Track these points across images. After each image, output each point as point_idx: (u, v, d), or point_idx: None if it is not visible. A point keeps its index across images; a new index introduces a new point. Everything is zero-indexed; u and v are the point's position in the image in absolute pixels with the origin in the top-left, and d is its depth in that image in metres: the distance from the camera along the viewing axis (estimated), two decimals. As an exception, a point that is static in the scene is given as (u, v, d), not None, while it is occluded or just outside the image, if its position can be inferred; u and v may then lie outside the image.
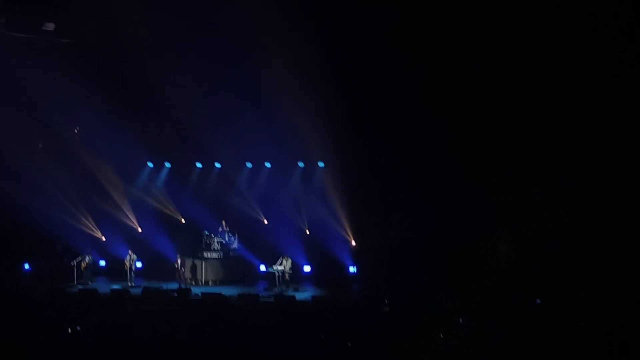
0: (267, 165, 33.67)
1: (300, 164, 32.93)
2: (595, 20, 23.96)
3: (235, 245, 31.88)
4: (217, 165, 34.34)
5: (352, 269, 30.32)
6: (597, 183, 25.46)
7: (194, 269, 30.89)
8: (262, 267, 31.20)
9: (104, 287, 29.16)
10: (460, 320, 20.72)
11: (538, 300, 22.66)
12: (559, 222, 26.38)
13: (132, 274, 30.46)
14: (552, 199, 26.44)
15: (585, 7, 23.86)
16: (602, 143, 25.55)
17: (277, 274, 29.23)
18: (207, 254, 31.20)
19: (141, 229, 33.42)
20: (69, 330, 20.53)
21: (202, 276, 30.87)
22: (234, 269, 31.67)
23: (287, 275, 29.31)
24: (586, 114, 25.55)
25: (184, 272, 30.57)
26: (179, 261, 30.51)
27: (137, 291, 28.12)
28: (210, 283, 30.65)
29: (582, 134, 25.81)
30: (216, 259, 31.23)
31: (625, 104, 24.82)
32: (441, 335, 19.16)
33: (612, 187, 25.35)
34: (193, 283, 30.46)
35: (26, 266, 31.16)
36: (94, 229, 32.56)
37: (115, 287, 28.99)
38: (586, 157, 26.00)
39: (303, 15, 25.70)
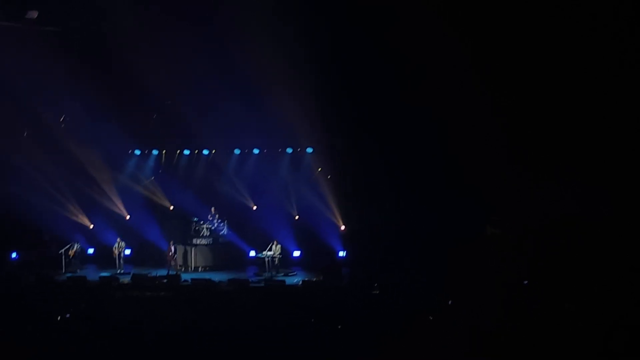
0: (255, 151, 33.60)
1: (289, 150, 32.86)
2: (594, 20, 23.90)
3: (224, 231, 31.88)
4: (205, 152, 34.28)
5: (341, 253, 30.34)
6: (585, 171, 25.51)
7: (184, 255, 30.92)
8: (252, 253, 31.23)
9: (93, 274, 29.19)
10: (450, 302, 20.76)
11: (525, 282, 22.76)
12: (546, 205, 26.40)
13: (121, 261, 30.46)
14: (539, 183, 26.45)
15: (582, 6, 23.82)
16: (590, 136, 25.55)
17: (266, 259, 29.28)
18: (196, 241, 31.22)
19: (129, 216, 33.34)
20: (58, 318, 20.46)
21: (192, 262, 30.91)
22: (224, 254, 31.70)
23: (276, 260, 29.36)
24: (576, 107, 25.55)
25: (175, 259, 30.49)
26: (171, 248, 30.41)
27: (127, 278, 28.12)
28: (200, 269, 30.67)
29: (570, 126, 25.82)
30: (205, 245, 31.23)
31: (616, 101, 24.81)
32: (430, 318, 19.18)
33: (600, 176, 25.37)
34: (183, 269, 30.46)
35: (13, 255, 31.05)
36: (82, 217, 32.51)
37: (104, 274, 29.01)
38: (572, 147, 26.03)
39: (290, 4, 25.61)
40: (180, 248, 30.99)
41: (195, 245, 31.12)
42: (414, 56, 25.60)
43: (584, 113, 25.42)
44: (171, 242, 30.61)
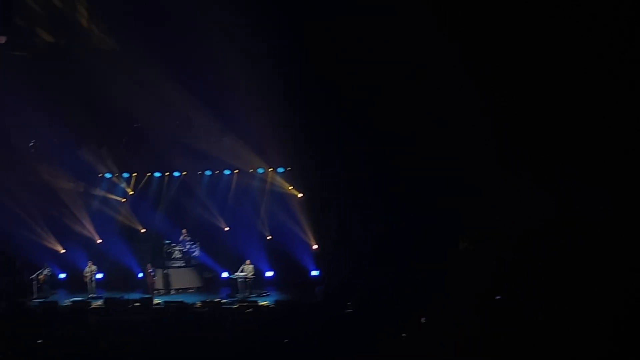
0: (227, 172, 33.59)
1: (260, 170, 32.88)
2: (586, 19, 24.04)
3: (196, 253, 31.85)
4: (176, 174, 34.23)
5: (314, 272, 30.38)
6: (559, 178, 25.64)
7: (161, 278, 30.79)
8: (225, 274, 31.20)
9: (65, 299, 29.00)
10: (423, 320, 20.77)
11: (498, 297, 22.81)
12: (519, 218, 26.52)
13: (93, 285, 30.36)
14: (512, 195, 26.57)
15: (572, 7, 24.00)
16: (563, 140, 25.69)
17: (239, 279, 29.24)
18: (168, 263, 31.16)
19: (101, 239, 33.18)
20: (30, 345, 20.30)
21: (167, 285, 30.82)
22: (197, 276, 31.62)
23: (249, 280, 29.33)
24: (552, 112, 25.67)
25: (154, 282, 30.37)
26: (150, 271, 30.30)
27: (99, 302, 27.99)
28: (172, 292, 30.59)
29: (545, 131, 25.92)
30: (177, 267, 31.18)
31: (591, 106, 24.98)
32: (404, 335, 19.20)
33: (574, 182, 25.51)
34: (161, 292, 30.33)
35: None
36: (53, 242, 32.33)
37: (76, 298, 28.84)
38: (546, 152, 26.13)
39: (262, 25, 25.68)
40: (160, 271, 30.87)
41: (169, 267, 31.05)
42: (386, 70, 25.71)
43: (564, 121, 25.53)
44: (149, 265, 30.50)
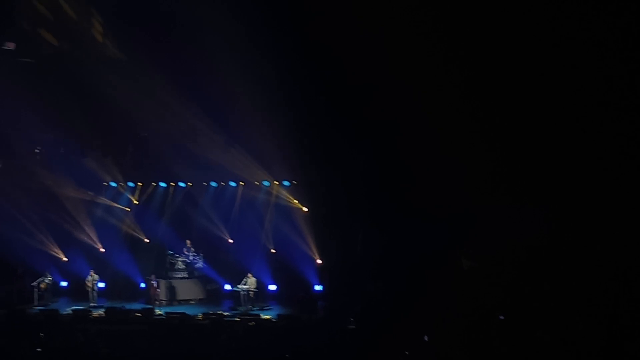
0: (232, 184, 33.51)
1: (265, 183, 32.78)
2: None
3: (200, 264, 31.78)
4: (182, 184, 34.18)
5: (317, 287, 30.25)
6: (559, 198, 25.50)
7: (163, 288, 30.65)
8: (228, 286, 31.11)
9: (66, 307, 28.92)
10: (425, 338, 20.65)
11: (501, 317, 22.67)
12: (522, 238, 26.37)
13: (95, 294, 30.26)
14: (515, 214, 26.43)
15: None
16: (562, 160, 25.57)
17: (242, 292, 29.12)
18: (171, 274, 31.08)
19: (104, 249, 33.11)
20: (29, 353, 20.22)
21: (170, 296, 30.74)
22: (200, 288, 31.53)
23: (252, 293, 29.23)
24: (543, 131, 25.56)
25: (158, 293, 30.25)
26: (154, 282, 30.19)
27: (100, 311, 27.90)
28: (174, 303, 30.47)
29: (543, 150, 25.82)
30: (181, 278, 31.10)
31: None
32: (407, 353, 19.09)
33: (573, 201, 25.37)
34: (164, 303, 30.23)
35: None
36: (56, 250, 32.26)
37: (77, 307, 28.76)
38: (547, 173, 26.02)
39: (268, 43, 25.62)
40: (164, 282, 30.76)
41: (173, 278, 30.97)
42: (384, 90, 25.63)
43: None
44: (153, 276, 30.37)
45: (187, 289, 31.26)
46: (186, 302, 30.83)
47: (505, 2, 23.39)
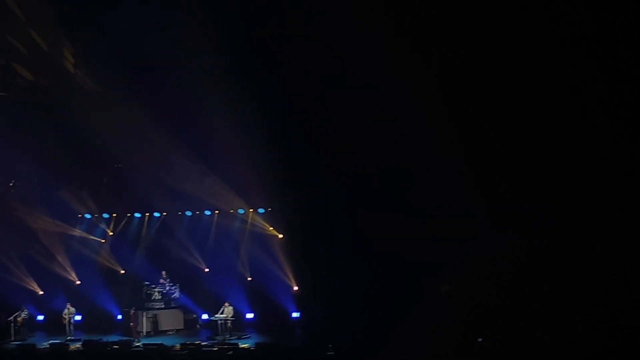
0: (207, 213, 33.53)
1: (241, 211, 32.82)
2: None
3: (176, 294, 31.72)
4: (156, 214, 34.16)
5: (295, 314, 30.26)
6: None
7: (140, 320, 30.51)
8: (205, 316, 31.06)
9: (43, 341, 28.73)
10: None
11: (480, 339, 22.81)
12: (499, 260, 26.54)
13: (71, 327, 30.08)
14: (491, 237, 26.61)
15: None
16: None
17: (219, 321, 29.06)
18: (148, 305, 30.98)
19: (79, 281, 32.98)
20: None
21: (147, 327, 30.61)
22: (177, 318, 31.45)
23: (229, 322, 29.16)
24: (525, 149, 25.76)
25: (136, 325, 30.11)
26: (132, 313, 30.05)
27: (77, 344, 27.75)
28: (152, 334, 30.37)
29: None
30: (158, 309, 31.01)
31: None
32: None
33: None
34: (143, 334, 30.10)
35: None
36: (31, 283, 32.09)
37: (54, 341, 28.59)
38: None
39: (243, 66, 25.74)
40: (143, 313, 30.67)
41: (149, 309, 30.86)
42: (359, 114, 25.79)
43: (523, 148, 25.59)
44: (133, 309, 30.22)
45: (165, 320, 31.13)
46: (164, 332, 30.72)
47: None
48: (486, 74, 24.37)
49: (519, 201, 25.50)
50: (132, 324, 29.80)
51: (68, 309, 30.36)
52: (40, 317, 32.27)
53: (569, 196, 24.57)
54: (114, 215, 34.69)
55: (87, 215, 34.30)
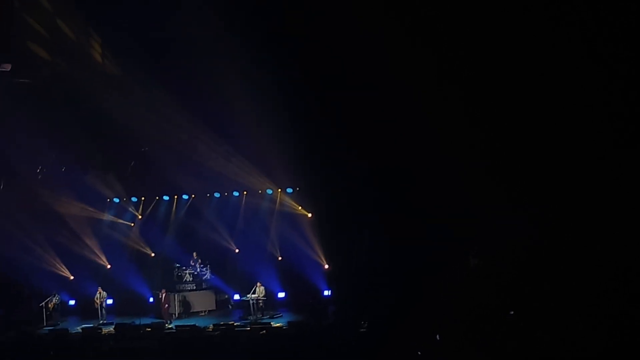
0: (235, 194, 33.45)
1: (269, 191, 32.71)
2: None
3: (207, 276, 31.74)
4: (185, 196, 34.13)
5: (326, 292, 30.14)
6: (558, 198, 25.42)
7: (173, 302, 30.58)
8: (236, 296, 31.04)
9: (75, 326, 28.85)
10: (437, 337, 20.56)
11: (511, 312, 22.59)
12: (522, 238, 26.29)
13: (103, 311, 30.24)
14: (519, 210, 26.35)
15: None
16: (561, 159, 25.48)
17: (251, 302, 29.04)
18: (180, 287, 31.02)
19: (110, 265, 33.06)
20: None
21: (179, 309, 30.67)
22: (209, 299, 31.48)
23: (261, 302, 29.15)
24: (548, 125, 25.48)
25: (168, 307, 30.17)
26: (163, 296, 30.10)
27: (110, 328, 27.80)
28: (184, 316, 30.40)
29: (547, 143, 25.73)
30: (190, 290, 31.05)
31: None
32: (419, 353, 19.00)
33: (572, 201, 25.28)
34: (175, 316, 30.17)
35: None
36: (62, 269, 32.17)
37: (87, 325, 28.68)
38: (546, 173, 25.95)
39: (267, 48, 25.57)
40: (175, 295, 30.74)
41: (181, 291, 30.90)
42: (388, 88, 25.56)
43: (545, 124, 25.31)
44: (163, 291, 30.27)
45: (197, 301, 31.23)
46: (196, 314, 30.78)
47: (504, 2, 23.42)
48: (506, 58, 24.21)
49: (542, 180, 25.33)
50: (166, 305, 29.88)
51: (100, 293, 30.49)
52: (72, 302, 32.42)
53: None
54: (142, 198, 34.76)
55: (116, 200, 34.42)
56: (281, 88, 26.03)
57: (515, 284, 24.59)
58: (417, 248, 27.86)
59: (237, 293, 31.17)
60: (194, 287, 31.38)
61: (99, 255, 33.03)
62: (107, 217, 34.28)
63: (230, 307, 31.76)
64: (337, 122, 27.48)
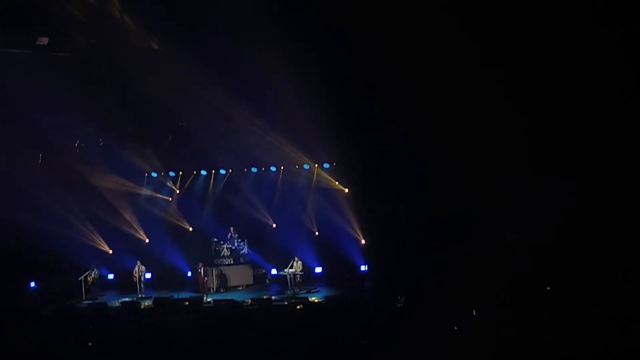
0: (273, 169, 33.48)
1: (306, 167, 32.69)
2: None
3: (245, 250, 31.88)
4: (222, 171, 34.23)
5: (363, 267, 30.14)
6: (598, 171, 25.15)
7: (211, 276, 30.76)
8: (274, 271, 31.15)
9: (114, 300, 29.10)
10: (474, 312, 20.49)
11: (547, 288, 22.45)
12: (561, 209, 26.06)
13: (142, 285, 30.48)
14: (555, 185, 26.12)
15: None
16: (600, 132, 25.19)
17: (288, 276, 29.15)
18: (217, 261, 31.17)
19: (148, 239, 33.29)
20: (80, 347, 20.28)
21: (217, 283, 30.86)
22: (247, 274, 31.71)
23: (298, 277, 29.24)
24: (583, 104, 25.19)
25: (206, 281, 30.35)
26: (201, 270, 30.27)
27: (148, 302, 28.03)
28: (222, 290, 30.55)
29: (582, 122, 25.46)
30: (227, 265, 31.20)
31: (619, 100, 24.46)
32: (455, 328, 18.95)
33: (611, 173, 25.00)
34: (213, 291, 30.36)
35: (32, 284, 30.93)
36: (101, 243, 32.41)
37: (126, 299, 28.92)
38: (585, 145, 25.66)
39: (305, 22, 25.44)
40: (212, 270, 30.91)
41: (218, 265, 31.06)
42: (427, 65, 25.38)
43: (581, 103, 25.03)
44: (200, 264, 30.44)
45: (235, 275, 31.38)
46: (233, 288, 30.93)
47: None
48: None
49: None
50: (205, 279, 30.05)
51: (138, 267, 30.69)
52: (111, 276, 32.70)
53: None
54: (180, 173, 34.91)
55: (154, 174, 34.57)
56: (319, 62, 25.93)
57: (551, 259, 24.46)
58: (454, 223, 27.76)
59: (274, 268, 31.32)
60: (232, 262, 31.53)
61: (138, 229, 33.25)
62: (145, 191, 34.53)
63: (267, 281, 31.91)
64: (374, 97, 27.37)
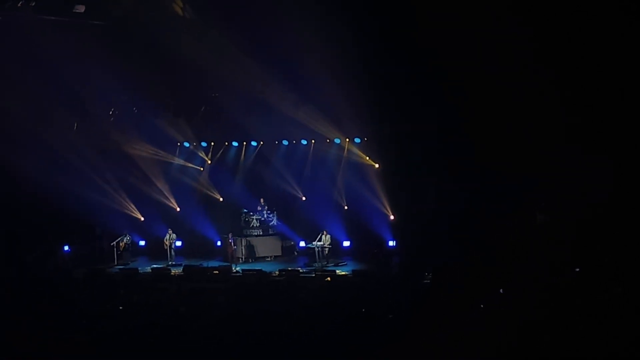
0: (304, 142, 33.60)
1: (337, 141, 32.76)
2: None
3: (274, 222, 32.08)
4: (254, 143, 34.38)
5: (391, 243, 30.23)
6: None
7: (240, 246, 31.09)
8: (302, 243, 31.33)
9: (145, 266, 29.47)
10: (501, 291, 20.50)
11: (577, 269, 22.41)
12: (596, 190, 25.93)
13: (172, 253, 30.83)
14: (588, 167, 25.99)
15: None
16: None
17: (316, 249, 29.33)
18: (247, 232, 31.42)
19: (179, 208, 33.60)
20: (111, 310, 20.55)
21: (246, 253, 31.18)
22: (275, 245, 31.94)
23: (326, 250, 29.39)
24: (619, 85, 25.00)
25: (235, 251, 30.65)
26: (231, 240, 30.58)
27: (178, 269, 28.34)
28: (251, 260, 30.80)
29: (623, 99, 25.24)
30: (256, 236, 31.43)
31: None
32: (482, 306, 18.97)
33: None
34: (242, 261, 30.63)
35: (65, 248, 31.38)
36: (133, 210, 32.74)
37: (156, 265, 29.27)
38: (624, 123, 25.46)
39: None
40: (241, 240, 31.22)
41: (247, 236, 31.34)
42: (458, 42, 25.28)
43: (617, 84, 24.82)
44: (230, 235, 30.72)
45: (263, 246, 31.64)
46: (262, 259, 31.18)
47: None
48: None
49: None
50: (234, 248, 30.31)
51: (169, 234, 31.02)
52: (142, 243, 33.11)
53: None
54: (212, 143, 35.12)
55: (186, 144, 34.79)
56: (353, 36, 25.93)
57: (581, 241, 24.39)
58: (484, 201, 27.77)
59: (302, 240, 31.48)
60: (261, 233, 31.79)
61: (169, 198, 33.58)
62: (177, 160, 34.80)
63: (295, 253, 32.13)
64: (408, 71, 27.33)
